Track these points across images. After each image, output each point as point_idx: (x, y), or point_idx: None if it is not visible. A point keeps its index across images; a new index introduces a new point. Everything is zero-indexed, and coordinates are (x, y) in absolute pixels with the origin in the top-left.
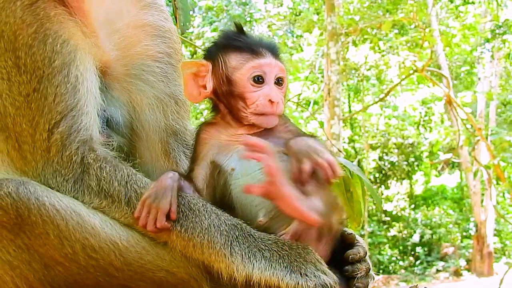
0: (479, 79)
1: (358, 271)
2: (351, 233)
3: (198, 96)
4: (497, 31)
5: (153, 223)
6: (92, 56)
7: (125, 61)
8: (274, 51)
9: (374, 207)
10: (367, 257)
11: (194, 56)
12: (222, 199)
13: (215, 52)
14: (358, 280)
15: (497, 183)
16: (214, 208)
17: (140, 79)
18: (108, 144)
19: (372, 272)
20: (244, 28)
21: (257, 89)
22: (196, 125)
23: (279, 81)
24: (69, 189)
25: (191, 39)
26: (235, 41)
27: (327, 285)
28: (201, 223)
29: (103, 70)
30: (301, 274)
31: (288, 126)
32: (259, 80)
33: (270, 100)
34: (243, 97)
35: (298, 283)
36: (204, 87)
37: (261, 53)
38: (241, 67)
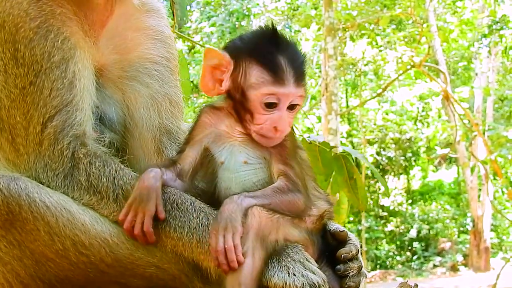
0: (476, 74)
1: (350, 270)
2: (343, 231)
3: (213, 89)
4: (494, 26)
5: (140, 227)
6: (90, 55)
7: (122, 64)
8: (299, 77)
9: (371, 202)
10: (359, 255)
11: (192, 51)
12: (208, 186)
13: (240, 56)
14: (350, 278)
15: (494, 179)
16: (202, 206)
17: (136, 80)
18: (100, 140)
19: (364, 270)
20: (281, 34)
21: (267, 113)
22: (200, 106)
23: (293, 106)
24: (59, 184)
25: (189, 34)
26: (263, 53)
27: (315, 284)
28: (189, 222)
29: (99, 71)
30: (288, 273)
31: (284, 141)
32: (271, 105)
33: (275, 127)
34: (252, 114)
35: (286, 283)
36: (221, 83)
37: (283, 80)
38: (257, 88)
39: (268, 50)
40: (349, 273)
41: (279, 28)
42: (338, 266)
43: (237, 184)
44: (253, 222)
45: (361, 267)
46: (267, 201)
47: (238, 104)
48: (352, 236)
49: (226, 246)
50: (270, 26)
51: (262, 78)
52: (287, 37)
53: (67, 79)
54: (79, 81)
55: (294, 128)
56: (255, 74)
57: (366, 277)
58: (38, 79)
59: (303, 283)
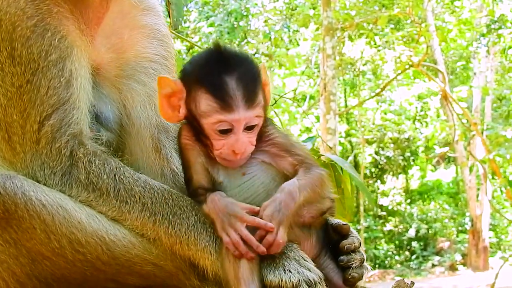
0: (474, 74)
1: (353, 260)
2: (346, 224)
3: (173, 116)
4: (492, 26)
5: (256, 246)
6: (87, 54)
7: (119, 63)
8: (249, 99)
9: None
10: (361, 248)
11: (190, 51)
12: None
13: (189, 82)
14: (353, 270)
15: (493, 178)
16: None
17: (133, 79)
18: (97, 139)
19: (366, 264)
20: (228, 54)
21: (223, 138)
22: (178, 129)
23: (250, 127)
24: (57, 182)
25: (187, 34)
26: (209, 79)
27: (311, 281)
28: (187, 219)
29: (95, 69)
30: (284, 270)
31: (274, 139)
32: (226, 131)
33: (233, 151)
34: (209, 140)
35: (282, 280)
36: (179, 109)
37: (231, 107)
38: (207, 116)
39: (215, 74)
40: (352, 264)
41: (227, 46)
42: (342, 257)
43: (242, 195)
44: None
45: (364, 260)
46: (308, 191)
47: (197, 130)
48: (354, 231)
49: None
50: (217, 47)
51: (210, 106)
52: (236, 55)
53: (64, 77)
54: (75, 79)
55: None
56: (203, 102)
57: (368, 271)
58: (35, 77)
59: (299, 280)
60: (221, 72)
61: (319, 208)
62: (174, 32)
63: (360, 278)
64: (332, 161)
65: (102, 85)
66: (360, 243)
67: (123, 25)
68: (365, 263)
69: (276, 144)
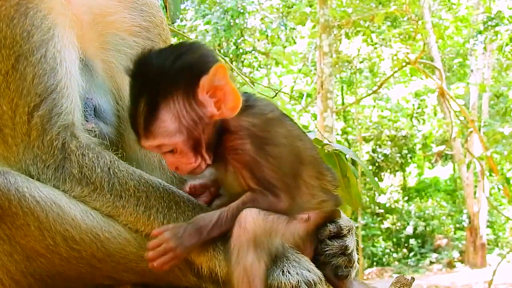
0: (471, 71)
1: (328, 247)
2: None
3: None
4: (489, 23)
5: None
6: (71, 31)
7: (99, 27)
8: (147, 130)
9: (367, 199)
10: (349, 237)
11: None
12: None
13: None
14: (328, 257)
15: (490, 175)
16: (199, 203)
17: (117, 50)
18: (91, 131)
19: (353, 253)
20: (142, 64)
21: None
22: None
23: (168, 151)
24: (50, 176)
25: (184, 32)
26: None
27: (310, 282)
28: (183, 214)
29: (81, 39)
30: (283, 271)
31: (239, 153)
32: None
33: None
34: None
35: (281, 281)
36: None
37: (138, 137)
38: None
39: (130, 96)
40: (327, 251)
41: (150, 55)
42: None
43: (231, 189)
44: (247, 227)
45: (346, 248)
46: (223, 228)
47: None
48: (344, 217)
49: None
50: (139, 59)
51: None
52: (141, 75)
53: (47, 63)
54: (60, 65)
55: None
56: None
57: (353, 259)
58: (19, 64)
59: (298, 281)
60: (132, 95)
61: (322, 216)
62: (171, 28)
63: (347, 275)
64: (337, 150)
65: (96, 71)
66: (341, 229)
67: None
68: (351, 252)
69: (238, 161)
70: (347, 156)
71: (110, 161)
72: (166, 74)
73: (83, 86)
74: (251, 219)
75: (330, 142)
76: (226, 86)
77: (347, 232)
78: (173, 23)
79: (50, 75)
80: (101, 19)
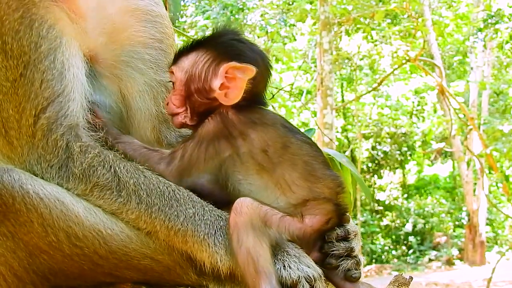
0: (471, 68)
1: (334, 248)
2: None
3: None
4: (489, 20)
5: None
6: (78, 42)
7: (113, 47)
8: (177, 56)
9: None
10: (355, 240)
11: None
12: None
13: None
14: (332, 258)
15: (490, 172)
16: (200, 199)
17: (130, 66)
18: (95, 126)
19: (358, 255)
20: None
21: None
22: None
23: (172, 82)
24: (54, 175)
25: (184, 29)
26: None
27: (310, 277)
28: (185, 211)
29: (92, 56)
30: (284, 266)
31: (223, 117)
32: None
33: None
34: None
35: (281, 276)
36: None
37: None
38: None
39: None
40: (334, 251)
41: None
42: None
43: None
44: (242, 211)
45: (352, 250)
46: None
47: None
48: (351, 223)
49: None
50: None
51: None
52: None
53: (56, 69)
54: (68, 71)
55: None
56: None
57: (359, 261)
58: (27, 71)
59: (299, 276)
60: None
61: (321, 220)
62: (172, 26)
63: (359, 277)
64: (330, 155)
65: (101, 74)
66: (349, 233)
67: (114, 10)
68: (356, 254)
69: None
70: (344, 161)
71: (113, 160)
72: (223, 41)
73: (89, 89)
74: (245, 205)
75: (330, 139)
76: (239, 82)
77: (354, 236)
78: (173, 23)
79: (58, 80)
80: (116, 36)
